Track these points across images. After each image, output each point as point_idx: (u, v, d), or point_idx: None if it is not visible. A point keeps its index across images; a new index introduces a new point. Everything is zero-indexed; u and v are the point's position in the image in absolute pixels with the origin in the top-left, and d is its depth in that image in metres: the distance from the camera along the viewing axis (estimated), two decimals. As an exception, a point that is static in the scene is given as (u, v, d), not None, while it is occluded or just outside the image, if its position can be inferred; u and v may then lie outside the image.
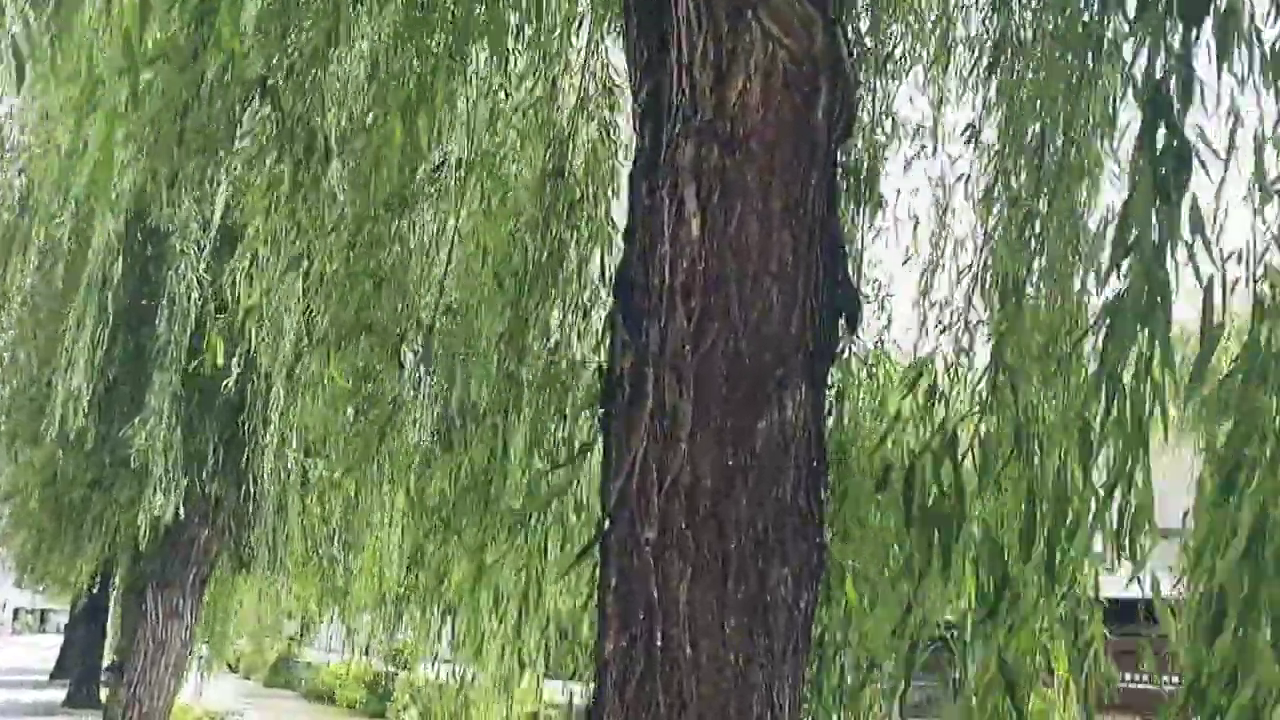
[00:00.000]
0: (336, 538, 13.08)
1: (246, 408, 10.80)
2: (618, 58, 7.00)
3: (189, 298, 11.02)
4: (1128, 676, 4.47)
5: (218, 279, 10.85)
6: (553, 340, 7.03)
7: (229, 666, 42.06)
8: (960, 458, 3.12)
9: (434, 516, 8.07)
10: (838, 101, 2.99)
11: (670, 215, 2.96)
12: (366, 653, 36.06)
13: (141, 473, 11.29)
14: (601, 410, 3.15)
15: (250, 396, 10.85)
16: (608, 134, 7.11)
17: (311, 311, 6.09)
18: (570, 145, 6.93)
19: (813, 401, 2.97)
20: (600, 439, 3.15)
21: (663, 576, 2.86)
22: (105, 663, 28.66)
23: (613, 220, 7.09)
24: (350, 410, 7.09)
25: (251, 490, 12.03)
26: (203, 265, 10.75)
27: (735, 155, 2.91)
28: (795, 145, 2.94)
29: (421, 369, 7.47)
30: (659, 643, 2.83)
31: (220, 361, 6.08)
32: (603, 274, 7.05)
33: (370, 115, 5.91)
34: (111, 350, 10.15)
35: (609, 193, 7.06)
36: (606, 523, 3.00)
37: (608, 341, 3.22)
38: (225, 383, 7.79)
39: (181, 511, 11.69)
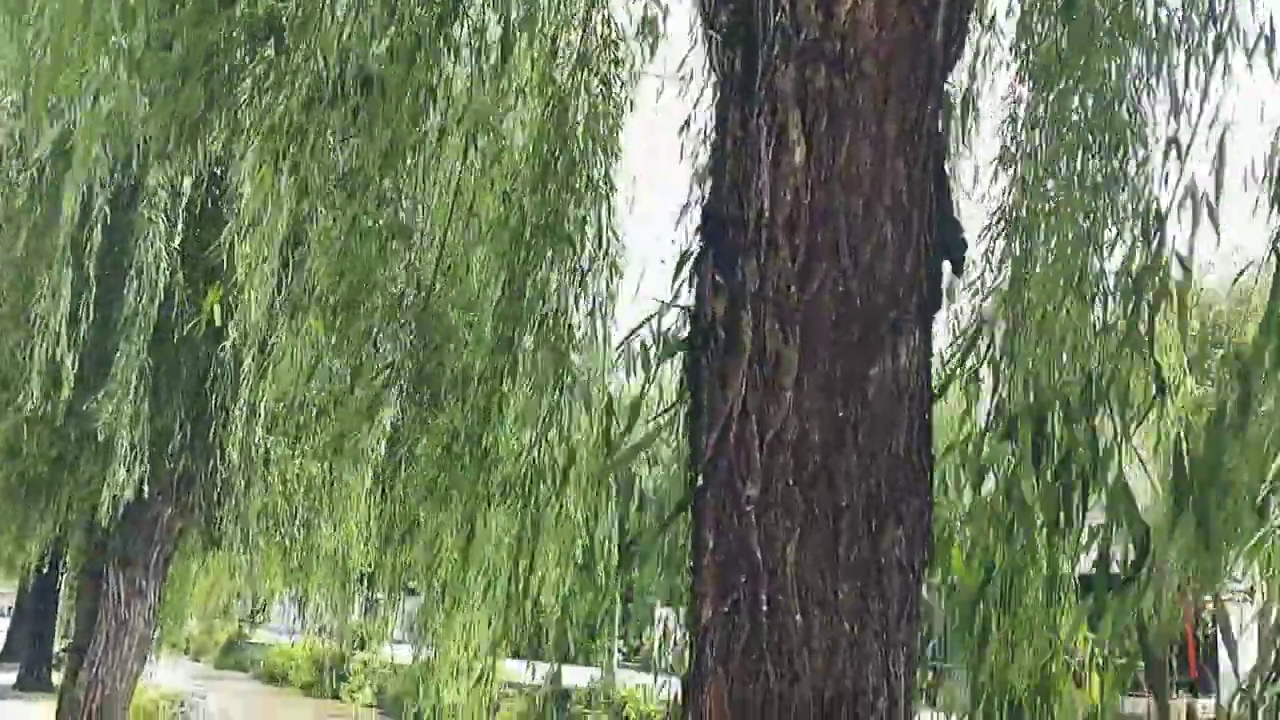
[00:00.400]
0: (311, 512, 12.78)
1: (218, 380, 10.46)
2: (620, 15, 6.74)
3: (157, 268, 10.64)
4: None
5: (190, 246, 10.52)
6: (550, 304, 6.77)
7: (183, 650, 41.62)
8: (1095, 406, 2.89)
9: (421, 483, 7.81)
10: (955, 17, 2.75)
11: (769, 144, 2.70)
12: (322, 633, 35.75)
13: (107, 448, 10.89)
14: (689, 358, 2.89)
15: (222, 369, 10.51)
16: (609, 91, 6.85)
17: (312, 271, 5.80)
18: (571, 103, 6.66)
19: (925, 349, 2.73)
20: (689, 389, 2.89)
21: (766, 537, 2.62)
22: (56, 645, 28.13)
23: (610, 180, 6.84)
24: (346, 377, 6.81)
25: (219, 466, 11.70)
26: (178, 239, 10.37)
27: (845, 76, 2.66)
28: (911, 64, 2.69)
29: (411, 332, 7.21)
30: (764, 609, 2.59)
31: (219, 323, 5.77)
32: (599, 237, 6.81)
33: (373, 64, 5.64)
34: (79, 322, 9.77)
35: (609, 152, 6.81)
36: (700, 479, 2.75)
37: (692, 282, 2.95)
38: (221, 346, 7.44)
39: (146, 488, 11.31)
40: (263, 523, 11.87)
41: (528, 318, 6.63)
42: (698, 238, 2.90)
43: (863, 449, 2.62)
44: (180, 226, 10.65)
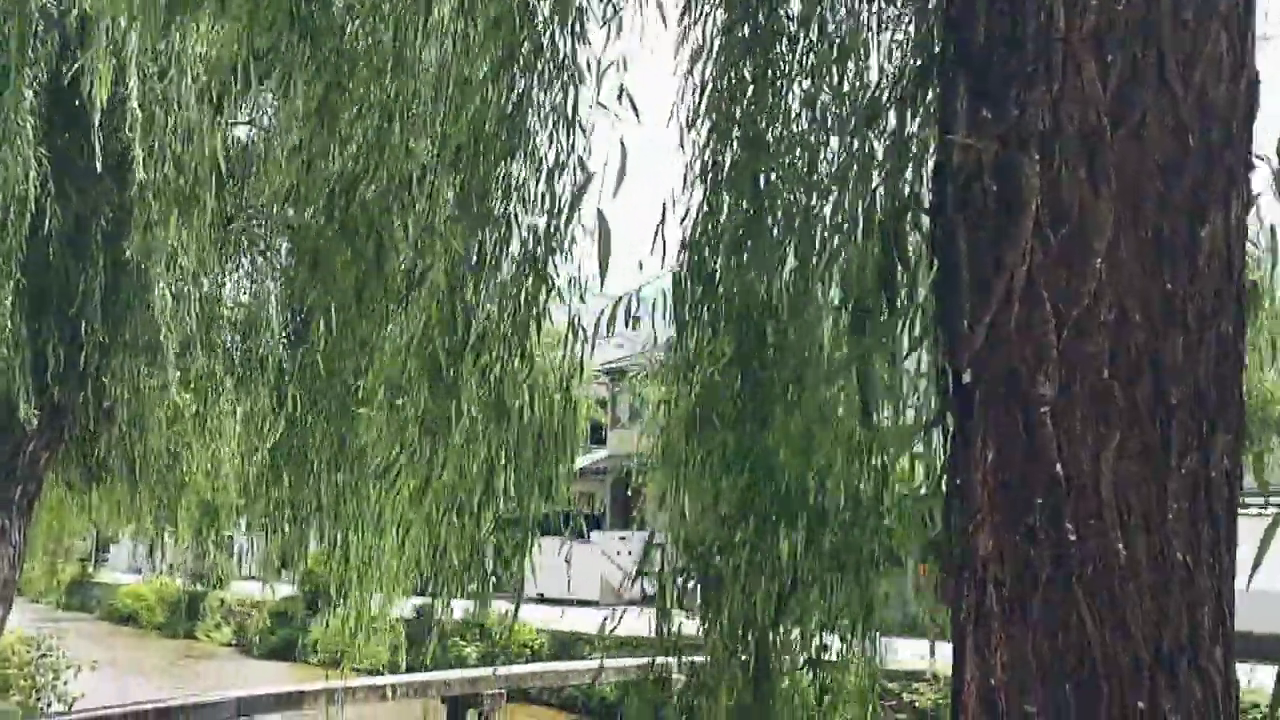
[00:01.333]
0: (182, 446, 11.93)
1: (104, 300, 9.50)
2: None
3: (26, 175, 9.53)
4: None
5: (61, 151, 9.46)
6: (514, 204, 6.07)
7: (22, 592, 39.79)
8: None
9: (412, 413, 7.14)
10: None
11: (1059, -65, 2.08)
12: (173, 571, 34.40)
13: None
14: (934, 220, 2.25)
15: (110, 287, 9.57)
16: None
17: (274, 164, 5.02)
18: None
19: (1248, 205, 2.15)
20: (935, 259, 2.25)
21: (1069, 444, 2.02)
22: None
23: (578, 68, 6.13)
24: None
25: (90, 396, 10.78)
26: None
27: None
28: None
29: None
30: (1072, 536, 2.00)
31: (172, 243, 4.95)
32: (568, 128, 6.11)
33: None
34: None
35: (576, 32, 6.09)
36: (965, 375, 2.14)
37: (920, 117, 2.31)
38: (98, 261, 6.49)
39: (18, 421, 10.30)
40: (150, 457, 10.95)
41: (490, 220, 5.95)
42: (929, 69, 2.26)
43: (1191, 331, 2.04)
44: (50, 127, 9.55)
